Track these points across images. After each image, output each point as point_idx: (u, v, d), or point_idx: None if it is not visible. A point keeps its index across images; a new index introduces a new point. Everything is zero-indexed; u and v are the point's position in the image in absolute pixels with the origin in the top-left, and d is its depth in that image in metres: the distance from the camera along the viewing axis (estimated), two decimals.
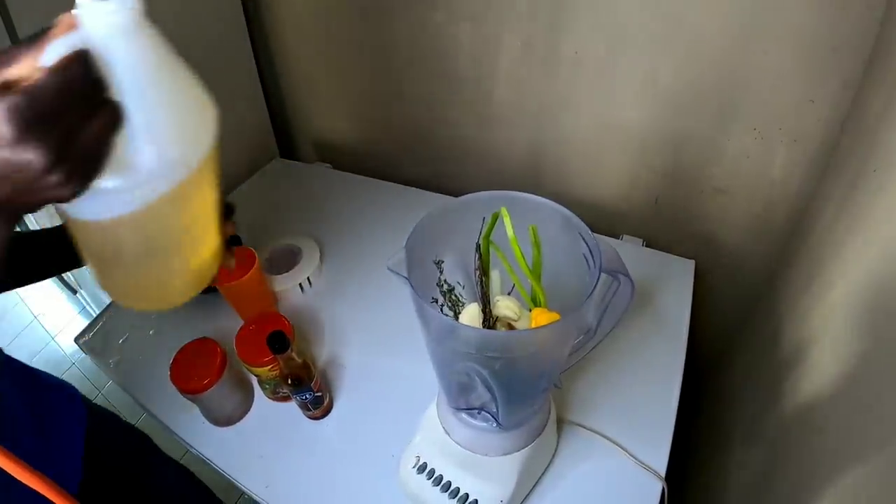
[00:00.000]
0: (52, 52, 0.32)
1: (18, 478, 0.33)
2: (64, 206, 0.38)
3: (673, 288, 1.02)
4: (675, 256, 1.09)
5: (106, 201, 0.38)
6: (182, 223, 0.46)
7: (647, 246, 1.14)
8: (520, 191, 0.58)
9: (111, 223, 0.39)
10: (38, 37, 0.32)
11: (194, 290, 0.55)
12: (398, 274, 0.50)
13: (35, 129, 0.30)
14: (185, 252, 0.50)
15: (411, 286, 0.49)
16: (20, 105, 0.30)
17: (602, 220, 1.21)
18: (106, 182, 0.36)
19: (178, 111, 0.38)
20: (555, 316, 0.54)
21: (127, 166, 0.36)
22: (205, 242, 0.52)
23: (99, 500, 0.73)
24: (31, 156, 0.31)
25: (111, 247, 0.44)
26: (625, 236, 1.17)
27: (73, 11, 0.32)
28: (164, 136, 0.37)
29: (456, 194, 0.60)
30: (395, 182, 1.36)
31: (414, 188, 1.33)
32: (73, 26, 0.32)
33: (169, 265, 0.49)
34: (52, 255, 0.70)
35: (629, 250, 1.12)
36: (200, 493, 1.01)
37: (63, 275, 1.80)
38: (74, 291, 2.13)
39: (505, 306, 0.57)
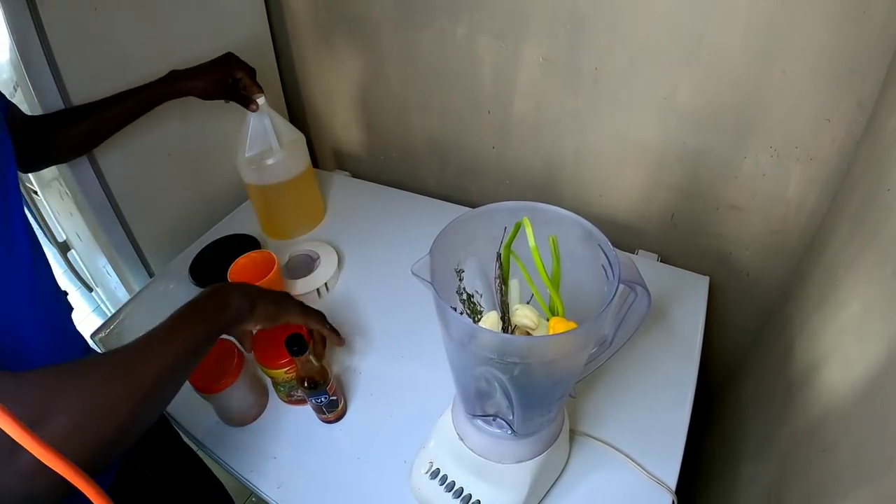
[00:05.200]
0: None
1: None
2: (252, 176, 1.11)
3: (687, 303, 1.02)
4: (690, 272, 1.09)
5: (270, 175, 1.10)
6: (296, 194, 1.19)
7: (661, 261, 1.15)
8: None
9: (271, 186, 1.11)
10: None
11: (301, 232, 1.23)
12: (422, 278, 0.51)
13: None
14: (297, 208, 1.22)
15: (434, 290, 0.50)
16: None
17: (618, 234, 1.22)
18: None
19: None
20: (572, 325, 0.55)
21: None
22: (307, 207, 1.24)
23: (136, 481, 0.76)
24: None
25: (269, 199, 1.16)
26: (640, 251, 1.18)
27: None
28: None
29: (473, 206, 0.61)
30: (413, 192, 1.38)
31: (431, 199, 1.35)
32: None
33: (291, 213, 1.22)
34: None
35: (644, 265, 1.12)
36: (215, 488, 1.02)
37: (79, 272, 1.82)
38: (90, 289, 2.15)
39: (523, 315, 0.58)
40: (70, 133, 0.88)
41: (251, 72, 0.99)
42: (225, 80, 0.96)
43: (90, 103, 0.90)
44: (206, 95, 0.96)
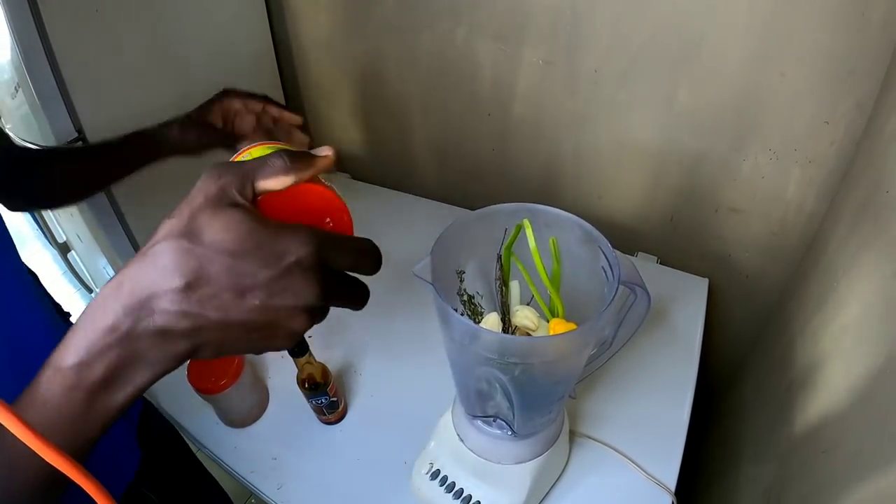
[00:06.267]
0: None
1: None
2: None
3: (686, 305, 1.03)
4: (689, 274, 1.10)
5: None
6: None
7: (661, 263, 1.15)
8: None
9: None
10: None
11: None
12: (423, 279, 0.51)
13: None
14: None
15: (436, 291, 0.50)
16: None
17: (617, 236, 1.22)
18: None
19: None
20: (572, 326, 0.55)
21: None
22: None
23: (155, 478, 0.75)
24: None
25: None
26: (639, 253, 1.18)
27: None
28: None
29: (472, 208, 0.61)
30: (413, 194, 1.38)
31: (432, 200, 1.35)
32: None
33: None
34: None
35: (643, 267, 1.11)
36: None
37: (80, 273, 1.82)
38: (90, 290, 2.16)
39: (524, 316, 0.58)
40: (57, 173, 0.77)
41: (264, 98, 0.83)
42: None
43: (84, 147, 0.83)
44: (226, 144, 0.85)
